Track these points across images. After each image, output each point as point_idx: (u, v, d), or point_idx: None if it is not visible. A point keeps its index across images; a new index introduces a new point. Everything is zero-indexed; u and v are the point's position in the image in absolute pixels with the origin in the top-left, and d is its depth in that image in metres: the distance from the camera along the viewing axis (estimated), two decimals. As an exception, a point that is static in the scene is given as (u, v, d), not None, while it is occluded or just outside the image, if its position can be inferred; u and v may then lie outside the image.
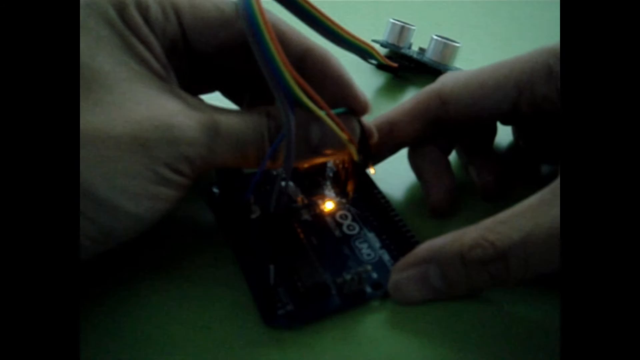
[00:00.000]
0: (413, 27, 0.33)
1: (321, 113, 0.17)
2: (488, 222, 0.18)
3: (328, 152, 0.19)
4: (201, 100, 0.18)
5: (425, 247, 0.19)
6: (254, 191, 0.21)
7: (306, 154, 0.19)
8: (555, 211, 0.16)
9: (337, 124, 0.18)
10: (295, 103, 0.17)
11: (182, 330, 0.17)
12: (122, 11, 0.17)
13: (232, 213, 0.20)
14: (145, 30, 0.17)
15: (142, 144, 0.15)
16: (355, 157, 0.19)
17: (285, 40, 0.18)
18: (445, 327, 0.18)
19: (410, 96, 0.23)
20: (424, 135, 0.23)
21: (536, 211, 0.17)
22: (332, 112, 0.18)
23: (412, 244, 0.20)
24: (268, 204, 0.21)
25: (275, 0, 0.18)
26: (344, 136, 0.18)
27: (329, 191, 0.22)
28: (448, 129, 0.23)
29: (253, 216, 0.21)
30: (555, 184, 0.17)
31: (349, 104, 0.19)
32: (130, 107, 0.16)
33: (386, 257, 0.20)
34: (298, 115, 0.17)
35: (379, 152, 0.23)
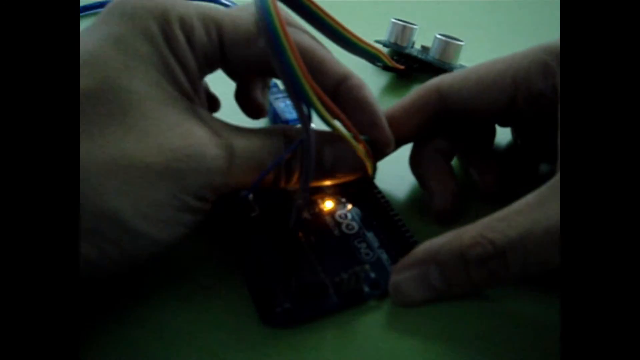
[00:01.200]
0: (415, 27, 0.33)
1: (344, 131, 0.17)
2: (487, 220, 0.18)
3: (340, 175, 0.20)
4: (218, 120, 0.18)
5: (425, 247, 0.18)
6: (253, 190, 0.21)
7: (318, 176, 0.19)
8: (553, 208, 0.16)
9: (356, 137, 0.18)
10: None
11: (178, 328, 0.17)
12: (165, 28, 0.16)
13: (231, 211, 0.20)
14: (186, 51, 0.17)
15: (173, 173, 0.15)
16: (370, 172, 0.20)
17: (323, 67, 0.19)
18: (443, 326, 0.18)
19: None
20: (424, 131, 0.22)
21: (534, 209, 0.17)
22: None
23: (411, 244, 0.20)
24: (268, 203, 0.21)
25: (284, 2, 0.18)
26: (361, 149, 0.18)
27: (329, 190, 0.22)
28: (447, 125, 0.22)
29: (252, 214, 0.21)
30: (553, 182, 0.17)
31: (374, 136, 0.20)
32: (163, 134, 0.15)
33: (384, 256, 0.20)
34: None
35: None
